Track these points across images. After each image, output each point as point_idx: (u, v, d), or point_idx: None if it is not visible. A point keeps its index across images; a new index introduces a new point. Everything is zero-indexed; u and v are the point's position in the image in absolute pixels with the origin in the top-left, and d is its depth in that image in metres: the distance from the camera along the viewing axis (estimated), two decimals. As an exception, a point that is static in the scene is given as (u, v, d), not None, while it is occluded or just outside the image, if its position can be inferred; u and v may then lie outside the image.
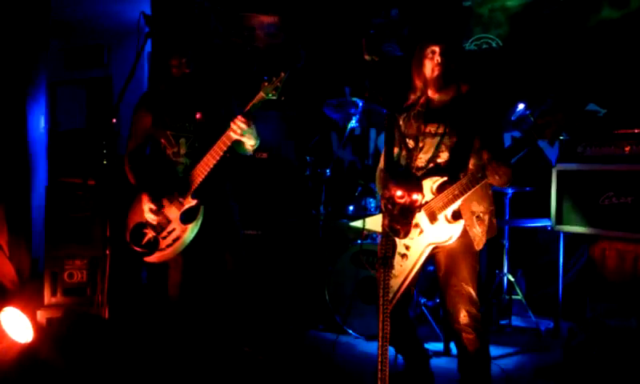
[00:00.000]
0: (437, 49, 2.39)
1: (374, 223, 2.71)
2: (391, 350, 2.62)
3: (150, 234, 2.82)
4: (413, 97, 2.55)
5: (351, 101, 3.92)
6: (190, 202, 2.77)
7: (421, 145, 2.45)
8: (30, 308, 3.10)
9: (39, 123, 4.01)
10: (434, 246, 2.39)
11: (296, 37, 5.19)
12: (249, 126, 2.67)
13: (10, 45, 3.85)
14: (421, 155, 2.45)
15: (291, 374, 3.08)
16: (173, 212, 2.79)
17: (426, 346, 3.07)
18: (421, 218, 2.37)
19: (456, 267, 2.40)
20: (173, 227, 2.78)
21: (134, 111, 2.95)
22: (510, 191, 3.77)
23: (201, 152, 2.76)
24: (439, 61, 2.39)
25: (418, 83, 2.51)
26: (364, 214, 3.88)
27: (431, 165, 2.42)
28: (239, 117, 2.66)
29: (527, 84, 4.29)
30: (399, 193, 1.81)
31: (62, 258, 3.30)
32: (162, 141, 2.86)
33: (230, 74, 5.03)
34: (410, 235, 2.33)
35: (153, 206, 2.77)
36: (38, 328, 3.06)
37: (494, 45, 4.62)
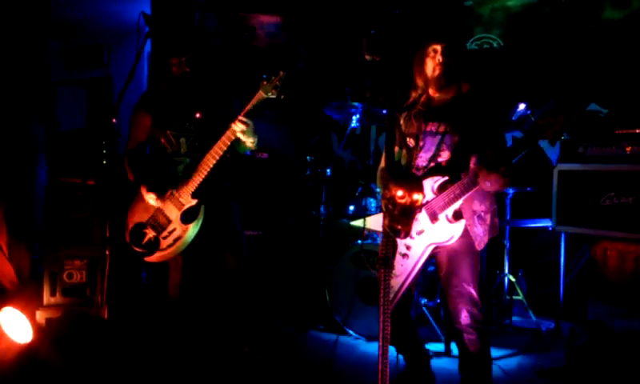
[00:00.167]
0: (438, 48, 2.39)
1: (375, 223, 2.70)
2: (392, 351, 2.62)
3: (150, 233, 2.81)
4: (414, 95, 2.54)
5: (351, 103, 3.92)
6: (191, 202, 2.76)
7: (421, 144, 2.45)
8: (29, 308, 3.09)
9: (39, 124, 4.01)
10: (434, 245, 2.38)
11: (296, 37, 5.19)
12: (249, 125, 2.67)
13: (11, 45, 3.84)
14: (421, 154, 2.45)
15: (291, 375, 3.07)
16: (173, 212, 2.78)
17: (427, 346, 3.07)
18: (422, 217, 2.37)
19: (457, 267, 2.40)
20: (173, 227, 2.78)
21: (133, 111, 2.95)
22: (510, 191, 3.76)
23: (201, 151, 2.76)
24: (440, 60, 2.39)
25: (419, 82, 2.50)
26: (364, 213, 3.88)
27: (432, 164, 2.42)
28: (240, 117, 2.65)
29: (528, 84, 4.29)
30: (400, 193, 1.80)
31: (62, 259, 3.29)
32: (162, 140, 2.86)
33: (230, 73, 5.03)
34: (411, 235, 2.33)
35: (154, 195, 2.75)
36: (38, 328, 3.06)
37: (494, 45, 4.62)
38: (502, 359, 3.26)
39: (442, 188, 2.34)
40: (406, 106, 2.56)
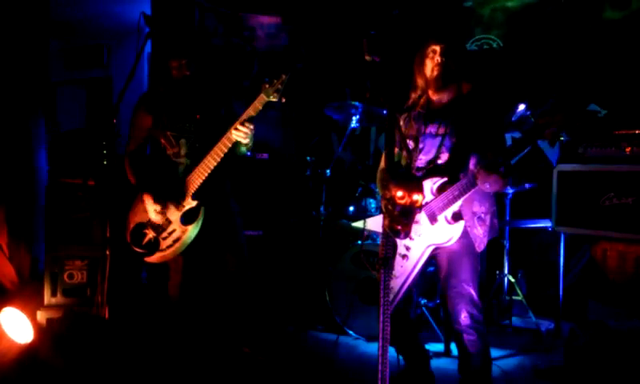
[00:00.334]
0: (437, 48, 2.39)
1: (375, 224, 2.71)
2: (392, 351, 2.63)
3: (151, 234, 2.82)
4: (414, 96, 2.55)
5: (351, 103, 3.92)
6: (191, 203, 2.77)
7: (421, 146, 2.45)
8: (30, 308, 3.10)
9: (40, 124, 4.01)
10: (434, 247, 2.39)
11: (297, 37, 5.19)
12: (251, 128, 2.67)
13: (10, 45, 3.85)
14: (421, 156, 2.45)
15: (291, 375, 3.07)
16: (173, 213, 2.79)
17: (427, 346, 3.07)
18: (421, 218, 2.37)
19: (457, 268, 2.40)
20: (173, 228, 2.78)
21: (133, 111, 2.95)
22: (510, 192, 3.76)
23: (201, 153, 2.76)
24: (439, 61, 2.39)
25: (419, 82, 2.50)
26: (364, 214, 3.88)
27: (431, 165, 2.42)
28: (242, 120, 2.65)
29: (528, 85, 4.29)
30: (400, 193, 1.80)
31: (62, 259, 3.30)
32: (162, 141, 2.86)
33: (230, 74, 5.03)
34: (411, 236, 2.33)
35: (157, 207, 2.77)
36: (38, 328, 3.06)
37: (494, 45, 4.62)
38: (502, 359, 3.26)
39: (441, 189, 2.35)
40: (405, 107, 2.56)
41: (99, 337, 2.76)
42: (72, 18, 5.68)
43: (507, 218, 3.83)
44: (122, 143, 3.12)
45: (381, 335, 1.79)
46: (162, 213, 2.78)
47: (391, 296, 2.36)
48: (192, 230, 2.77)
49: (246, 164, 4.40)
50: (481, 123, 2.37)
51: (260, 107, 2.67)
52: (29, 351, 2.91)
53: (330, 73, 5.01)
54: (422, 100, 2.51)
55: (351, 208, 4.06)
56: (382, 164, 2.61)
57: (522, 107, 3.60)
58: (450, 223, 2.34)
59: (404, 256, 2.42)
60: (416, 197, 1.82)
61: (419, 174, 2.43)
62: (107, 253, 2.72)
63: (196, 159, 2.77)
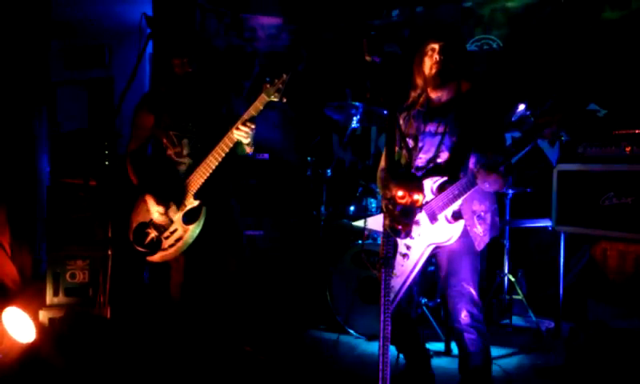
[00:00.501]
0: (436, 46, 2.40)
1: (375, 223, 2.72)
2: (392, 350, 2.64)
3: (153, 233, 2.83)
4: (413, 94, 2.55)
5: (352, 103, 3.93)
6: (193, 203, 2.78)
7: (421, 144, 2.46)
8: (32, 308, 3.11)
9: (41, 124, 4.02)
10: (434, 246, 2.39)
11: (297, 38, 5.20)
12: (252, 128, 2.68)
13: (12, 45, 3.85)
14: (421, 155, 2.46)
15: (292, 374, 3.08)
16: (175, 212, 2.80)
17: (427, 345, 3.08)
18: (421, 218, 2.38)
19: (457, 267, 2.41)
20: (175, 227, 2.79)
21: (135, 111, 2.95)
22: (510, 192, 3.77)
23: (203, 153, 2.77)
24: (437, 59, 2.39)
25: (419, 81, 2.51)
26: (365, 214, 3.89)
27: (431, 164, 2.43)
28: (244, 119, 2.66)
29: (528, 84, 4.29)
30: (400, 193, 1.81)
31: (64, 259, 3.30)
32: (164, 140, 2.87)
33: (231, 74, 5.04)
34: (411, 235, 2.34)
35: (160, 207, 2.77)
36: (40, 328, 3.07)
37: (494, 46, 4.63)
38: (502, 359, 3.27)
39: (441, 188, 2.35)
40: (405, 106, 2.57)
41: (101, 336, 2.77)
42: (73, 18, 5.68)
43: (507, 218, 3.83)
44: (124, 143, 3.13)
45: (381, 334, 1.80)
46: (165, 212, 2.79)
47: (392, 295, 2.37)
48: (194, 230, 2.78)
49: (247, 164, 4.41)
50: (480, 122, 2.38)
51: (261, 107, 2.68)
52: (31, 351, 2.92)
53: (330, 73, 5.02)
54: (421, 99, 2.52)
55: (352, 208, 4.07)
56: (383, 163, 2.61)
57: (521, 107, 3.61)
58: (450, 222, 2.34)
59: (404, 255, 2.43)
60: (416, 196, 1.83)
61: (419, 173, 2.44)
62: (109, 252, 2.74)
63: (198, 159, 2.78)
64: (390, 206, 1.83)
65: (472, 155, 2.39)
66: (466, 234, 2.37)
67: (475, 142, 2.37)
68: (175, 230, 2.79)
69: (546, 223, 3.68)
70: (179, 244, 2.78)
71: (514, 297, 3.83)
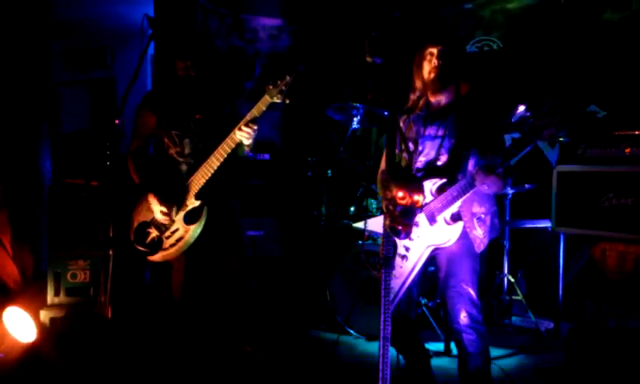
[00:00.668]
0: (435, 50, 2.40)
1: (376, 224, 2.72)
2: (392, 351, 2.64)
3: (154, 233, 2.84)
4: (413, 97, 2.56)
5: (352, 104, 3.94)
6: (194, 203, 2.79)
7: (420, 148, 2.47)
8: (33, 308, 3.12)
9: (43, 125, 4.03)
10: (433, 247, 2.40)
11: (298, 39, 5.22)
12: (255, 129, 2.69)
13: (13, 47, 3.87)
14: (421, 158, 2.47)
15: (292, 374, 3.09)
16: (177, 212, 2.81)
17: (427, 346, 3.08)
18: (420, 219, 2.39)
19: (456, 268, 2.41)
20: (176, 227, 2.80)
21: (137, 110, 2.96)
22: (510, 192, 3.78)
23: (205, 153, 2.78)
24: (436, 63, 2.40)
25: (418, 84, 2.52)
26: (365, 214, 3.90)
27: (430, 167, 2.44)
28: (247, 122, 2.67)
29: (528, 86, 4.30)
30: (401, 194, 1.82)
31: (65, 258, 3.31)
32: (166, 140, 2.88)
33: (232, 76, 5.05)
34: (410, 237, 2.34)
35: (163, 208, 2.78)
36: (41, 328, 3.08)
37: (494, 47, 4.63)
38: (502, 359, 3.28)
39: (440, 190, 2.36)
40: (405, 109, 2.58)
41: (102, 336, 2.77)
42: (75, 20, 5.70)
43: (507, 218, 3.84)
44: (126, 144, 3.14)
45: (381, 335, 1.81)
46: (167, 212, 2.80)
47: (391, 296, 2.38)
48: (195, 230, 2.79)
49: (248, 165, 4.42)
50: (479, 124, 2.39)
51: (264, 108, 2.69)
52: (32, 350, 2.93)
53: (331, 74, 5.03)
54: (421, 102, 2.53)
55: (352, 208, 4.08)
56: (383, 165, 2.62)
57: (521, 108, 3.62)
58: (448, 224, 2.35)
59: (404, 256, 2.44)
60: (417, 197, 1.84)
61: (419, 175, 2.45)
62: (110, 252, 2.74)
63: (199, 159, 2.79)
64: (391, 207, 1.85)
65: (471, 157, 2.40)
66: (465, 235, 2.38)
67: (474, 144, 2.38)
68: (176, 230, 2.80)
69: (545, 224, 3.68)
70: (180, 244, 2.79)
71: (514, 297, 3.84)
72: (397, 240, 2.35)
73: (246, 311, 3.04)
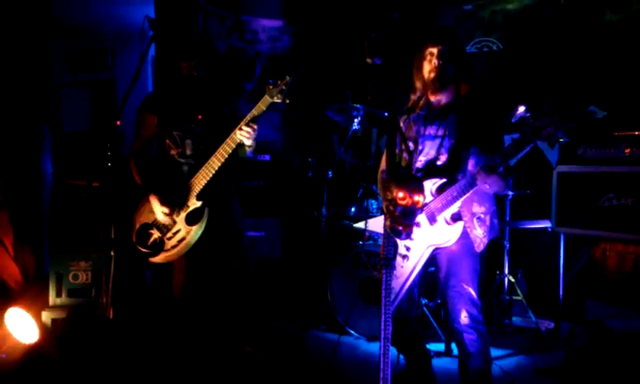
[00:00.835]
0: (435, 51, 2.41)
1: (376, 224, 2.74)
2: (393, 351, 2.65)
3: (156, 234, 2.85)
4: (413, 97, 2.57)
5: (353, 105, 3.95)
6: (195, 204, 2.80)
7: (420, 147, 2.48)
8: (34, 309, 3.12)
9: (44, 126, 4.04)
10: (434, 247, 2.41)
11: (299, 40, 5.23)
12: (255, 129, 2.70)
13: (15, 48, 3.88)
14: (420, 157, 2.48)
15: (293, 375, 3.10)
16: (178, 213, 2.82)
17: (428, 346, 3.09)
18: (421, 219, 2.39)
19: (456, 268, 2.42)
20: (178, 228, 2.81)
21: (138, 111, 2.97)
22: (510, 194, 3.79)
23: (206, 154, 2.79)
24: (436, 64, 2.41)
25: (418, 84, 2.53)
26: (366, 215, 3.91)
27: (430, 166, 2.45)
28: (248, 122, 2.68)
29: (528, 86, 4.31)
30: (401, 194, 1.83)
31: (67, 260, 3.31)
32: (167, 141, 2.89)
33: (233, 76, 5.06)
34: (411, 237, 2.35)
35: (165, 209, 2.79)
36: (43, 329, 3.09)
37: (494, 48, 4.64)
38: (502, 359, 3.28)
39: (440, 190, 2.37)
40: (405, 109, 2.59)
41: (104, 337, 2.78)
42: (76, 21, 5.71)
43: (507, 219, 3.85)
44: (127, 145, 3.15)
45: (382, 335, 1.82)
46: (169, 213, 2.81)
47: (392, 296, 2.38)
48: (197, 231, 2.80)
49: (249, 165, 4.43)
50: (479, 124, 2.40)
51: (264, 108, 2.70)
52: (34, 351, 2.94)
53: (331, 75, 5.04)
54: (421, 102, 2.54)
55: (353, 209, 4.08)
56: (383, 165, 2.63)
57: (521, 109, 3.62)
58: (449, 224, 2.36)
59: (404, 256, 2.44)
60: (417, 197, 1.85)
61: (419, 175, 2.46)
62: (112, 253, 2.75)
63: (201, 160, 2.80)
64: (391, 207, 1.85)
65: (471, 157, 2.40)
66: (465, 235, 2.39)
67: (474, 144, 2.39)
68: (178, 231, 2.81)
69: (545, 224, 3.69)
70: (182, 245, 2.80)
71: (514, 297, 3.84)
72: (397, 240, 2.36)
73: (246, 311, 3.05)
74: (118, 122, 3.01)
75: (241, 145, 2.78)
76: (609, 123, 3.54)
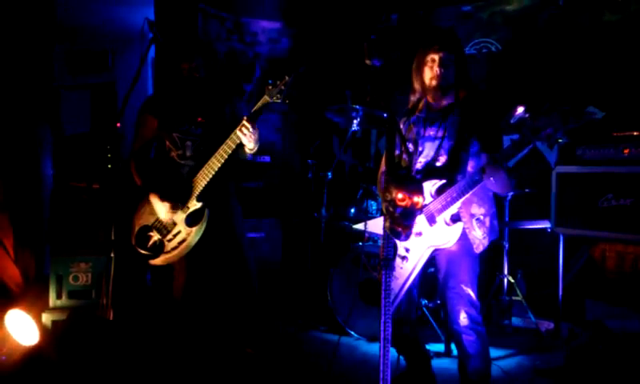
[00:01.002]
0: (437, 57, 2.42)
1: (376, 225, 2.74)
2: (393, 352, 2.66)
3: (156, 236, 2.85)
4: (412, 99, 2.58)
5: (352, 107, 3.96)
6: (196, 205, 2.80)
7: (420, 149, 2.49)
8: (35, 310, 3.12)
9: (45, 128, 4.05)
10: (433, 248, 2.41)
11: (298, 42, 5.23)
12: (254, 129, 2.71)
13: (16, 50, 3.88)
14: (420, 159, 2.48)
15: (293, 375, 3.10)
16: (179, 215, 2.82)
17: (428, 346, 3.10)
18: (420, 220, 2.40)
19: (455, 270, 2.43)
20: (178, 230, 2.81)
21: (138, 113, 2.98)
22: (510, 193, 3.79)
23: (206, 155, 2.79)
24: (438, 72, 2.42)
25: (417, 87, 2.54)
26: (365, 216, 3.91)
27: (430, 168, 2.45)
28: (246, 121, 2.69)
29: (527, 87, 4.31)
30: (400, 195, 1.84)
31: (67, 261, 3.32)
32: (167, 142, 2.89)
33: (233, 78, 5.07)
34: (411, 238, 2.36)
35: (167, 204, 2.79)
36: (43, 330, 3.09)
37: (493, 49, 4.65)
38: (502, 359, 3.29)
39: (439, 191, 2.38)
40: (405, 110, 2.60)
41: (104, 339, 2.78)
42: (77, 23, 5.71)
43: (507, 219, 3.85)
44: (127, 147, 3.16)
45: (382, 336, 1.82)
46: (170, 212, 2.81)
47: (391, 297, 2.39)
48: (197, 232, 2.80)
49: (249, 166, 4.44)
50: (479, 125, 2.40)
51: (263, 108, 2.71)
52: (34, 353, 2.94)
53: (330, 76, 5.05)
54: (420, 104, 2.54)
55: (352, 210, 4.09)
56: (383, 166, 2.64)
57: (520, 110, 3.63)
58: (448, 225, 2.37)
59: (404, 258, 2.45)
60: (416, 199, 1.85)
61: (418, 176, 2.46)
62: (112, 255, 2.76)
63: (201, 161, 2.80)
64: (391, 209, 1.86)
65: (471, 158, 2.41)
66: (464, 236, 2.39)
67: (474, 145, 2.40)
68: (178, 233, 2.81)
69: (545, 225, 3.70)
70: (182, 246, 2.80)
71: (514, 298, 3.85)
72: (397, 241, 2.36)
73: (246, 312, 3.05)
74: (118, 124, 3.01)
75: (241, 146, 2.79)
76: (608, 124, 3.56)
